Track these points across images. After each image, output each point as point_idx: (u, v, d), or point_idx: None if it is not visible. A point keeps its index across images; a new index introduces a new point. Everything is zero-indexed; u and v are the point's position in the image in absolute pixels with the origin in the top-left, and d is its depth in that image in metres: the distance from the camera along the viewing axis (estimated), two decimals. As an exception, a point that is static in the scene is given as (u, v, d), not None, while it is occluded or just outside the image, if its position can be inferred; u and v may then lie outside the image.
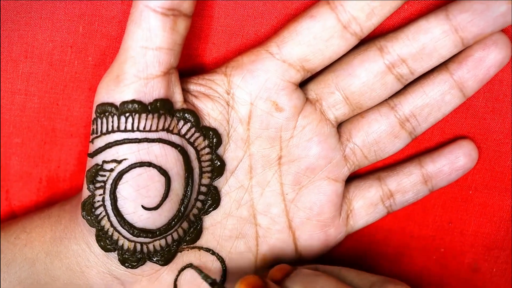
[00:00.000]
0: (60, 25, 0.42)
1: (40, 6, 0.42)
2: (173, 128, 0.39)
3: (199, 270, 0.40)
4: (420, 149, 0.46)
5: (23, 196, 0.47)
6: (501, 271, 0.49)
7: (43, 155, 0.46)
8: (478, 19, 0.39)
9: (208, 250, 0.43)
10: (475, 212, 0.48)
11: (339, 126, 0.44)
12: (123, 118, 0.38)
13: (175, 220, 0.40)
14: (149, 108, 0.38)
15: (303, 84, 0.43)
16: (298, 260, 0.45)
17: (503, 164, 0.46)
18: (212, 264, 0.43)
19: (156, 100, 0.38)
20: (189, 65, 0.44)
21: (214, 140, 0.41)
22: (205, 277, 0.39)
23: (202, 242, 0.43)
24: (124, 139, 0.38)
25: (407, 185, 0.45)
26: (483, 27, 0.39)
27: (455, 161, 0.44)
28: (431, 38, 0.40)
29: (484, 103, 0.45)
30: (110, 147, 0.38)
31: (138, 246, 0.40)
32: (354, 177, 0.46)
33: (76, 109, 0.45)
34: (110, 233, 0.39)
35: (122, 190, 0.38)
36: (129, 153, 0.38)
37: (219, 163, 0.41)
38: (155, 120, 0.38)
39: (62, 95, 0.44)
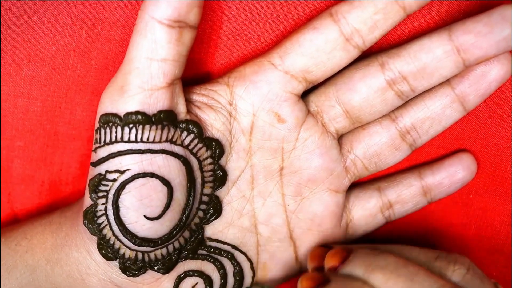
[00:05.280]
0: (63, 29, 0.42)
1: (43, 10, 0.42)
2: (177, 139, 0.39)
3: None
4: (421, 154, 0.46)
5: (25, 199, 0.47)
6: (501, 275, 0.49)
7: (46, 158, 0.46)
8: (481, 42, 0.38)
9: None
10: (475, 216, 0.48)
11: (340, 137, 0.44)
12: (126, 129, 0.38)
13: (177, 229, 0.40)
14: (153, 119, 0.38)
15: (303, 95, 0.43)
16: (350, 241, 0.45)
17: (503, 168, 0.46)
18: (212, 273, 0.43)
19: (160, 112, 0.38)
20: (191, 69, 0.43)
21: (217, 150, 0.41)
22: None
23: (203, 250, 0.43)
24: (128, 149, 0.38)
25: (406, 196, 0.45)
26: (486, 49, 0.39)
27: (455, 174, 0.45)
28: (432, 57, 0.40)
29: (485, 108, 0.45)
30: (114, 157, 0.38)
31: (140, 255, 0.40)
32: (354, 186, 0.46)
33: (79, 113, 0.45)
34: (111, 242, 0.39)
35: (125, 200, 0.39)
36: (132, 163, 0.38)
37: (221, 173, 0.41)
38: (159, 132, 0.38)
39: (64, 98, 0.44)
